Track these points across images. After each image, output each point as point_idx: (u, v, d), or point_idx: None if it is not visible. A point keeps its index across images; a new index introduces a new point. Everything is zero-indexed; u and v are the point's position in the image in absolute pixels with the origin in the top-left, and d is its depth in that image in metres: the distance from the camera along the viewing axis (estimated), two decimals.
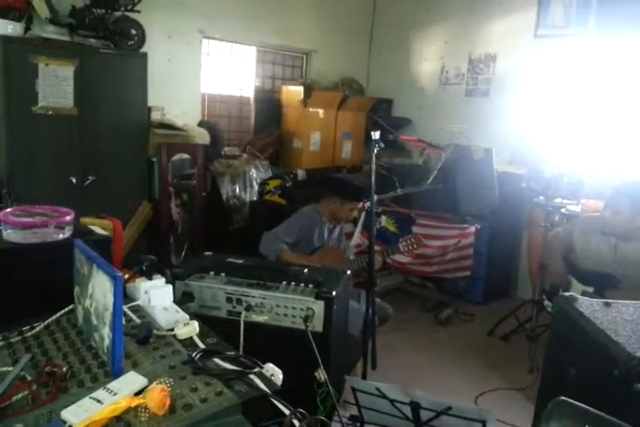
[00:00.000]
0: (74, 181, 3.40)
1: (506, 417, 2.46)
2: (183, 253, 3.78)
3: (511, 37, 4.50)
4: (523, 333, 3.50)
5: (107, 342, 1.16)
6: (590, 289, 2.78)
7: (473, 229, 3.78)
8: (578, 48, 4.07)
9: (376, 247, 3.34)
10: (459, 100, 4.92)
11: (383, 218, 3.08)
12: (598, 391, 1.10)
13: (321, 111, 4.77)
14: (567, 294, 1.36)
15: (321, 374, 1.53)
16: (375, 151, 2.36)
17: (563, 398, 0.79)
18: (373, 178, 2.36)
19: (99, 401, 1.01)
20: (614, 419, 0.80)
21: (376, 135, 2.35)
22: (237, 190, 3.93)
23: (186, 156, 3.78)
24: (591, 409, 0.77)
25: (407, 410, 1.66)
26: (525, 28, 4.37)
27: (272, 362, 1.27)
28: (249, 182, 3.98)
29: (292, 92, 4.73)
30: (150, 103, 3.71)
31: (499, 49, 4.61)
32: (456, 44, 4.93)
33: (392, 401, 1.70)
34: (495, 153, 4.02)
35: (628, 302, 1.34)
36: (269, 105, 4.92)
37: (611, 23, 3.88)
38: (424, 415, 1.64)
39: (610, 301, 1.32)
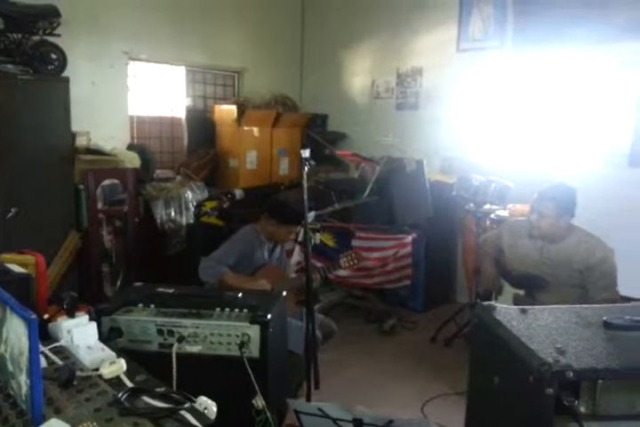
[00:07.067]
0: None
1: (451, 422, 2.50)
2: (119, 283, 3.65)
3: (436, 51, 4.67)
4: (463, 337, 3.60)
5: (24, 389, 1.11)
6: (521, 292, 2.89)
7: (410, 238, 3.87)
8: (497, 60, 4.27)
9: (318, 264, 3.38)
10: (390, 114, 5.05)
11: (317, 235, 3.10)
12: (518, 398, 1.14)
13: (255, 129, 4.77)
14: (485, 302, 1.41)
15: (258, 402, 1.51)
16: (306, 169, 2.37)
17: None
18: (305, 197, 2.36)
19: None
20: None
21: (305, 153, 2.34)
22: (172, 214, 3.84)
23: (116, 181, 3.68)
24: None
25: None
26: (448, 42, 4.55)
27: (209, 393, 1.25)
28: (184, 205, 3.90)
29: (225, 112, 4.72)
30: (75, 128, 3.59)
31: (425, 63, 4.77)
32: (384, 60, 5.07)
33: (335, 420, 1.70)
34: (426, 163, 4.15)
35: (542, 307, 1.41)
36: (202, 125, 4.88)
37: (526, 36, 4.11)
38: None
39: (526, 307, 1.38)
